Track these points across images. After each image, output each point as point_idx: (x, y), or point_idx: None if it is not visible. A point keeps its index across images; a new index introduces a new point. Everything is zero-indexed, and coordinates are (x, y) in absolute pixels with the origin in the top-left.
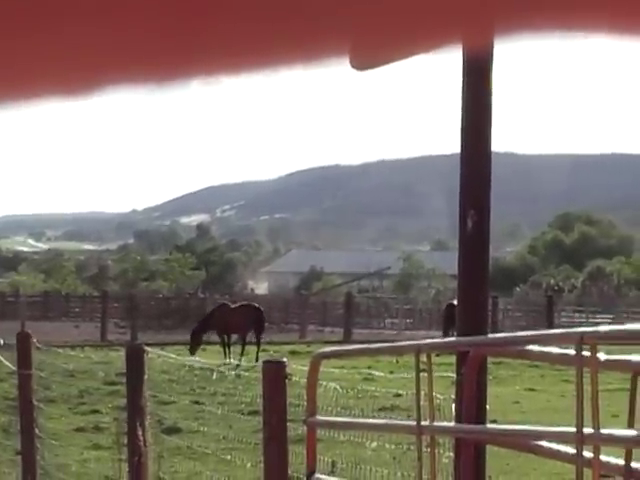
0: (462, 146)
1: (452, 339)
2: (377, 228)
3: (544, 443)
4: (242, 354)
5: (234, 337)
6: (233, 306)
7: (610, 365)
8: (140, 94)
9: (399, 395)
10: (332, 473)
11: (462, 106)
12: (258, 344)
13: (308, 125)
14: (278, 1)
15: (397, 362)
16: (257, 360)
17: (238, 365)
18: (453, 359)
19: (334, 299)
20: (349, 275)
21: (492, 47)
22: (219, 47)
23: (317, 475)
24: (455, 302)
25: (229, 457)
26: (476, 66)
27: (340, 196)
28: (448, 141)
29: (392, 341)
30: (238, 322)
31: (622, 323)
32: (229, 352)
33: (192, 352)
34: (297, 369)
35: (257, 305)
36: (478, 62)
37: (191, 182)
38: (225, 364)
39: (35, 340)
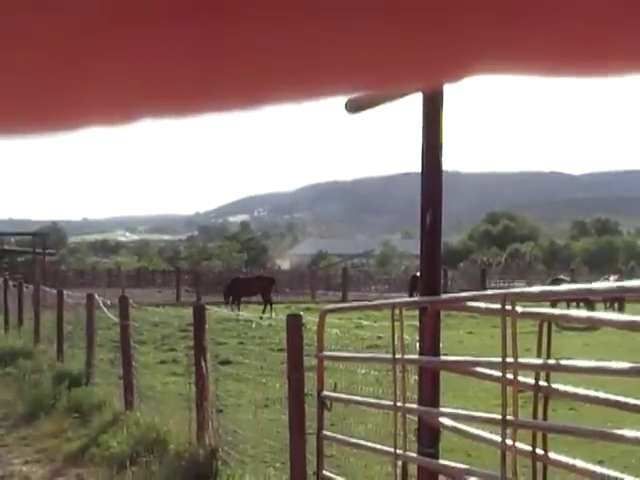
0: (422, 165)
1: (416, 298)
2: (364, 223)
3: (480, 369)
4: (264, 311)
5: (253, 298)
6: (243, 277)
7: (524, 315)
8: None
9: (381, 337)
10: (334, 391)
11: (422, 134)
12: (265, 304)
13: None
14: (285, 48)
15: (379, 314)
16: (263, 312)
17: (261, 318)
18: (417, 312)
19: (335, 272)
20: (345, 256)
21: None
22: (235, 86)
23: (324, 392)
24: (418, 274)
25: (264, 380)
26: (431, 103)
27: (338, 202)
28: (408, 161)
29: (375, 300)
30: (247, 289)
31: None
32: (237, 308)
33: (228, 306)
34: (310, 320)
35: (266, 276)
36: (433, 100)
37: (236, 191)
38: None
39: (131, 301)
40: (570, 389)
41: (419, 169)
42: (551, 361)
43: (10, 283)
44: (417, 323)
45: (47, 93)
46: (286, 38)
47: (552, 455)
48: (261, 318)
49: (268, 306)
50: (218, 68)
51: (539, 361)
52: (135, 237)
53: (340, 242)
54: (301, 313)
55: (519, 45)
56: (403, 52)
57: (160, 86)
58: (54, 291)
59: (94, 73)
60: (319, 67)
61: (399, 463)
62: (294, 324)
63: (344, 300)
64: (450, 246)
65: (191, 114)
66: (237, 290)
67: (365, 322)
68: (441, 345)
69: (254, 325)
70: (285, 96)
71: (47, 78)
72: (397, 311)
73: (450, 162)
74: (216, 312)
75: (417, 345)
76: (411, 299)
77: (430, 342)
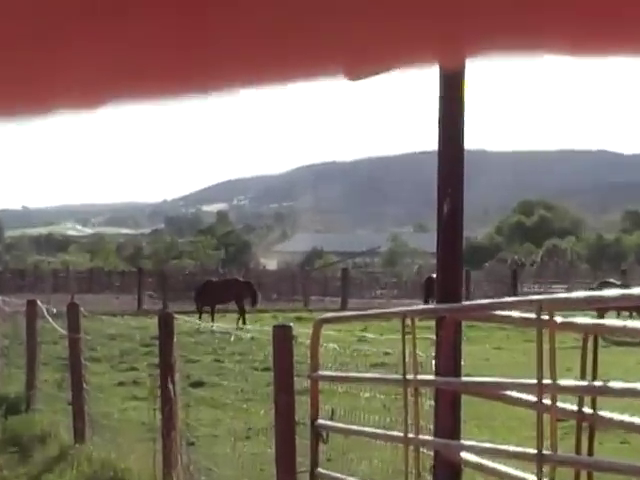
0: (439, 143)
1: (432, 306)
2: (368, 213)
3: (509, 392)
4: (240, 321)
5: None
6: (217, 280)
7: (565, 327)
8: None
9: (388, 353)
10: (332, 419)
11: (440, 109)
12: (239, 313)
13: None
14: (279, 19)
15: (386, 326)
16: (238, 322)
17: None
18: (433, 323)
19: (333, 274)
20: (345, 254)
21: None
22: (227, 62)
23: (319, 421)
24: (434, 275)
25: (245, 406)
26: (451, 76)
27: (336, 187)
28: (428, 140)
29: (381, 308)
30: (222, 295)
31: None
32: (211, 318)
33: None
34: (302, 332)
35: (241, 280)
36: (453, 73)
37: (212, 176)
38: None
39: (82, 309)
40: (621, 417)
41: (435, 147)
42: (597, 383)
43: None
44: (433, 336)
45: (18, 76)
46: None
47: None
48: (240, 329)
49: (246, 316)
50: (202, 46)
51: (583, 383)
52: (88, 231)
53: (339, 237)
54: (291, 324)
55: (536, 22)
56: (415, 27)
57: (140, 67)
58: None
59: (66, 54)
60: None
61: None
62: (282, 337)
63: (344, 308)
64: (473, 241)
65: (173, 96)
66: (210, 296)
67: (370, 335)
68: (462, 363)
69: (233, 338)
70: (276, 75)
71: (17, 60)
72: (408, 321)
73: (474, 139)
74: (187, 322)
75: (433, 363)
76: (426, 307)
77: (449, 359)
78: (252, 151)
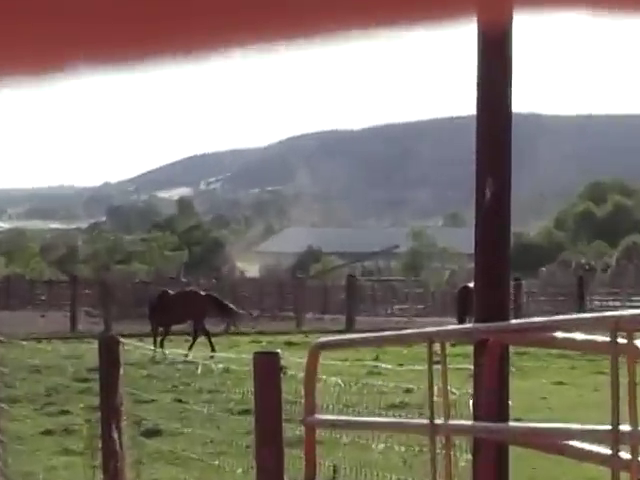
0: (478, 106)
1: (469, 326)
2: (383, 201)
3: (575, 443)
4: (191, 347)
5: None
6: (175, 293)
7: None
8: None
9: (409, 390)
10: (334, 479)
11: (478, 60)
12: (194, 335)
13: (301, 86)
14: None
15: (406, 353)
16: (190, 349)
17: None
18: (470, 349)
19: (334, 282)
20: (351, 255)
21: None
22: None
23: None
24: (471, 284)
25: (217, 462)
26: (494, 22)
27: (339, 165)
28: (458, 102)
29: (401, 329)
30: (181, 311)
31: None
32: (161, 344)
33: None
34: (293, 361)
35: (201, 292)
36: (497, 20)
37: (171, 151)
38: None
39: None
40: None
41: (469, 111)
42: None
43: None
44: (470, 367)
45: None
46: None
47: None
48: (211, 357)
49: (207, 341)
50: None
51: None
52: (2, 225)
53: (343, 233)
54: (278, 350)
55: None
56: None
57: (101, 27)
58: None
59: (19, 17)
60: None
61: None
62: (267, 368)
63: (349, 329)
64: (525, 239)
65: (143, 60)
66: (167, 312)
67: (385, 365)
68: (510, 403)
69: (200, 370)
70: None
71: None
72: (437, 347)
73: (526, 101)
74: (138, 349)
75: (470, 404)
76: (460, 327)
77: (492, 398)
78: (225, 118)
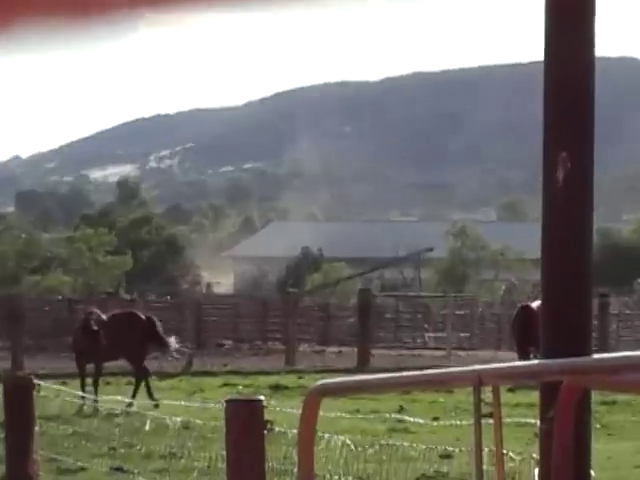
0: (547, 50)
1: (533, 362)
2: (411, 184)
3: None
4: (135, 393)
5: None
6: (107, 317)
7: None
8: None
9: (448, 455)
10: None
11: None
12: (136, 380)
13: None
14: None
15: (443, 402)
16: (133, 396)
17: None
18: (535, 396)
19: (341, 301)
20: (366, 262)
21: None
22: None
23: None
24: (536, 303)
25: None
26: None
27: (349, 134)
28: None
29: (436, 367)
30: (113, 343)
31: None
32: (92, 386)
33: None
34: (282, 414)
35: (140, 315)
36: None
37: (107, 115)
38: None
39: None
40: None
41: (524, 58)
42: None
43: None
44: (536, 421)
45: None
46: None
47: None
48: (156, 406)
49: (143, 385)
50: None
51: None
52: None
53: (351, 229)
54: (261, 397)
55: None
56: None
57: None
58: None
59: None
60: None
61: None
62: (244, 422)
63: (363, 366)
64: (615, 237)
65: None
66: (98, 344)
67: (412, 419)
68: (593, 474)
69: (148, 426)
70: None
71: None
72: (487, 391)
73: (619, 43)
74: (60, 396)
75: (536, 473)
76: (520, 364)
77: (567, 466)
78: (187, 71)
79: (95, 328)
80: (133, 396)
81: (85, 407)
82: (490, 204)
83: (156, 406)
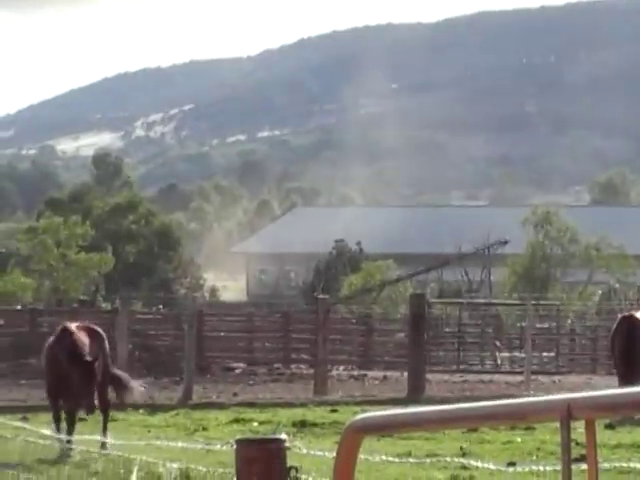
0: None
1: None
2: (473, 157)
3: None
4: (105, 429)
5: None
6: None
7: None
8: None
9: None
10: None
11: None
12: (104, 414)
13: None
14: None
15: (521, 441)
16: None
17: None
18: None
19: (387, 310)
20: (419, 259)
21: None
22: None
23: None
24: None
25: None
26: None
27: (391, 86)
28: None
29: (510, 396)
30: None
31: None
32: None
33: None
34: (310, 457)
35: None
36: None
37: (79, 69)
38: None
39: None
40: None
41: None
42: None
43: None
44: None
45: None
46: None
47: None
48: (103, 445)
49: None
50: None
51: None
52: None
53: (405, 218)
54: (283, 435)
55: None
56: None
57: None
58: None
59: None
60: None
61: None
62: (261, 469)
63: (415, 395)
64: None
65: None
66: (89, 377)
67: (479, 464)
68: None
69: (135, 475)
70: None
71: None
72: (579, 426)
73: None
74: (19, 435)
75: None
76: (623, 391)
77: None
78: (184, 12)
79: (89, 359)
80: (103, 431)
81: (63, 449)
82: (582, 183)
83: (103, 445)
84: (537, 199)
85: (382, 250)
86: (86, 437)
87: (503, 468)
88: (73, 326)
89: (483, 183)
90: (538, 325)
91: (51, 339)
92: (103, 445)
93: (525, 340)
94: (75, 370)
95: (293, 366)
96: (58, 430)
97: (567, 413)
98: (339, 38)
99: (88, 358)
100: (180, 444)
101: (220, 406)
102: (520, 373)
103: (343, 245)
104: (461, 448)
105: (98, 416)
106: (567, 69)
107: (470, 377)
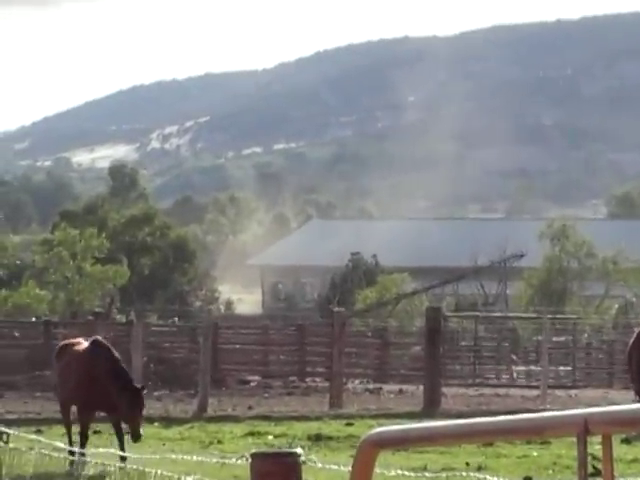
0: None
1: None
2: (490, 169)
3: None
4: (122, 445)
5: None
6: (79, 347)
7: None
8: None
9: None
10: None
11: None
12: (117, 434)
13: None
14: None
15: (537, 455)
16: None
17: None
18: None
19: (403, 324)
20: (434, 272)
21: None
22: None
23: None
24: None
25: None
26: None
27: (408, 99)
28: None
29: (527, 411)
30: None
31: None
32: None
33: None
34: (326, 472)
35: (97, 339)
36: None
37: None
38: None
39: None
40: None
41: None
42: None
43: None
44: None
45: None
46: None
47: None
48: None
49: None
50: None
51: None
52: None
53: (420, 231)
54: (298, 450)
55: None
56: None
57: None
58: None
59: None
60: None
61: None
62: None
63: (431, 409)
64: None
65: None
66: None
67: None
68: None
69: None
70: None
71: None
72: (595, 440)
73: None
74: (34, 448)
75: None
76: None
77: None
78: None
79: (138, 386)
80: (120, 447)
81: (68, 463)
82: (599, 196)
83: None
84: (554, 212)
85: (398, 263)
86: (101, 450)
87: None
88: (74, 340)
89: (500, 196)
90: (554, 339)
91: (81, 348)
92: (122, 459)
93: (541, 354)
94: (123, 397)
95: (308, 379)
96: (71, 442)
97: (584, 428)
98: (355, 51)
99: (138, 385)
100: (195, 457)
101: (235, 419)
102: (536, 387)
103: (359, 258)
104: (481, 463)
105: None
106: (583, 82)
107: (486, 391)
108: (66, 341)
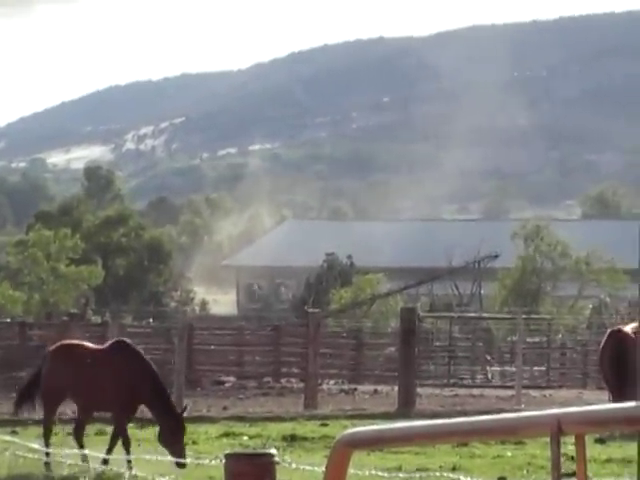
0: None
1: (630, 405)
2: (464, 170)
3: None
4: (111, 447)
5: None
6: (100, 350)
7: None
8: None
9: None
10: None
11: None
12: (112, 439)
13: None
14: None
15: (511, 456)
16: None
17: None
18: (632, 450)
19: (378, 324)
20: (409, 273)
21: None
22: None
23: None
24: (631, 327)
25: None
26: None
27: (383, 100)
28: None
29: (501, 411)
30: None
31: None
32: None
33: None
34: (300, 472)
35: (125, 341)
36: None
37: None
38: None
39: None
40: None
41: None
42: None
43: None
44: None
45: None
46: None
47: None
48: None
49: (120, 441)
50: None
51: None
52: None
53: (391, 230)
54: (273, 451)
55: None
56: None
57: None
58: None
59: None
60: None
61: None
62: None
63: (405, 410)
64: None
65: None
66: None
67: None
68: None
69: None
70: None
71: None
72: (569, 440)
73: None
74: (9, 449)
75: None
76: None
77: None
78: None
79: (178, 411)
80: (108, 451)
81: (43, 464)
82: (574, 197)
83: (128, 462)
84: (529, 213)
85: (373, 264)
86: (75, 451)
87: None
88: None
89: (475, 197)
90: (529, 339)
91: (109, 352)
92: (129, 463)
93: (516, 354)
94: (164, 422)
95: (283, 380)
96: (47, 442)
97: (557, 428)
98: (330, 51)
99: (178, 410)
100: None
101: (210, 420)
102: (511, 387)
103: (334, 258)
104: (455, 464)
105: (92, 430)
106: (559, 83)
107: (461, 391)
108: (66, 342)
